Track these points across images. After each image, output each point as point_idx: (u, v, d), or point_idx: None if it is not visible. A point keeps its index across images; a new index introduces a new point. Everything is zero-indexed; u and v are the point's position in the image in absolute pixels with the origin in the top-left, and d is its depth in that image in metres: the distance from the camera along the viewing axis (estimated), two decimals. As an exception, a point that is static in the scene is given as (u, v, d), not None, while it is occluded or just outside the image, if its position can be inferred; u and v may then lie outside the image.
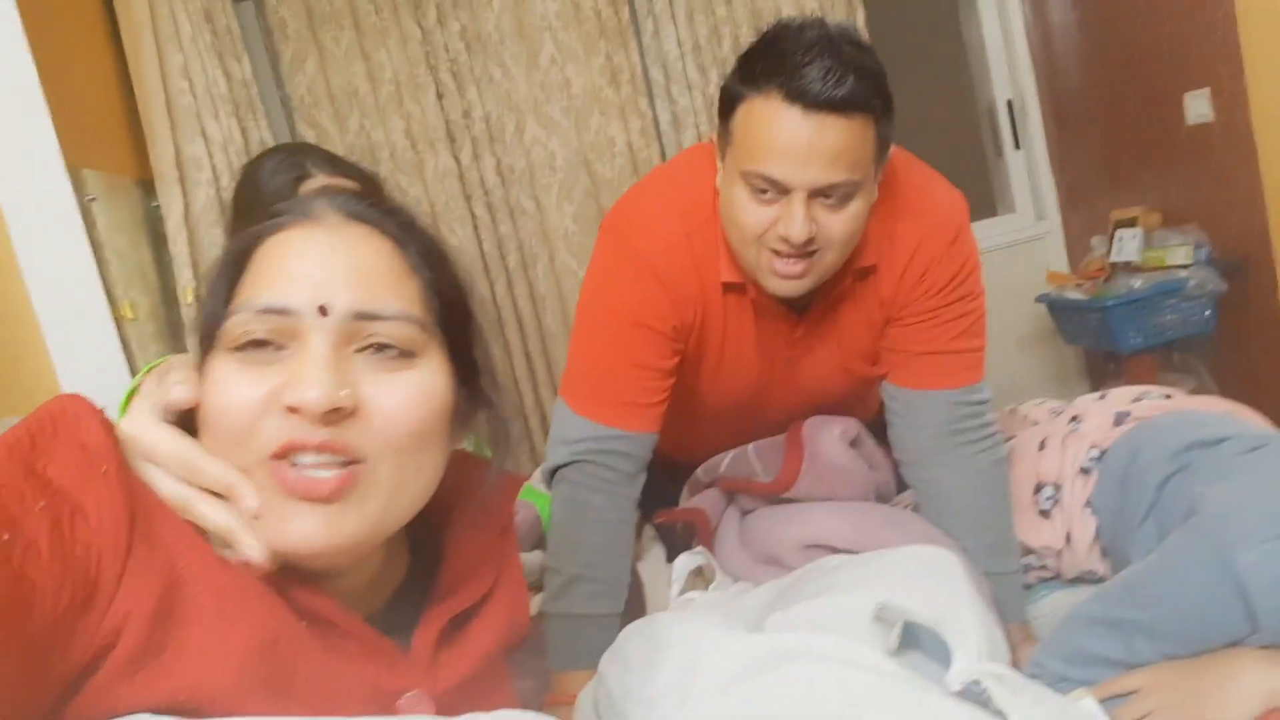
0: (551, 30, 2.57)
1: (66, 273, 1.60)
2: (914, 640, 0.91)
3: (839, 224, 1.08)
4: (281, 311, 0.57)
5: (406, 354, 0.60)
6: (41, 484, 0.50)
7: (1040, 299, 2.68)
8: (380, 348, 0.59)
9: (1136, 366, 2.48)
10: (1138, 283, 2.38)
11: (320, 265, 0.58)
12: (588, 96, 2.62)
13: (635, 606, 1.13)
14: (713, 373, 1.27)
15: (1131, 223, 2.53)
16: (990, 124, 3.03)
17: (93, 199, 1.74)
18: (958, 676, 0.79)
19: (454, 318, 0.64)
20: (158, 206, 2.07)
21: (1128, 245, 2.50)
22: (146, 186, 2.09)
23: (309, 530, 0.56)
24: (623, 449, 1.18)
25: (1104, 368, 2.79)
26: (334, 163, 1.37)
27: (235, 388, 0.57)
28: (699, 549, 1.19)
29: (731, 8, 2.62)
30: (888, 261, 1.21)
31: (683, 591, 1.15)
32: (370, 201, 0.63)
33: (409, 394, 0.59)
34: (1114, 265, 2.55)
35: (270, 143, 2.30)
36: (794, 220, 1.05)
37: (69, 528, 0.50)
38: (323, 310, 0.57)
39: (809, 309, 1.24)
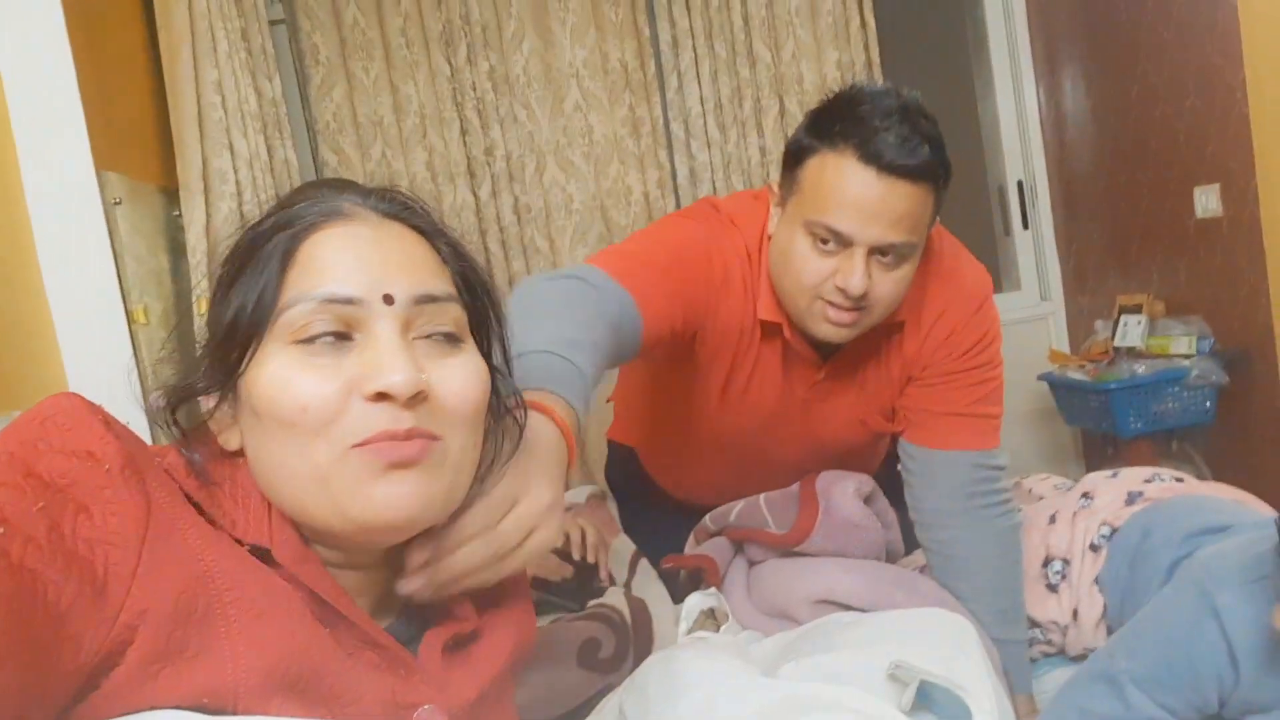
0: (578, 77, 2.62)
1: (85, 271, 1.60)
2: (926, 702, 0.90)
3: (890, 284, 1.14)
4: (347, 301, 0.58)
5: (456, 338, 0.62)
6: (41, 485, 0.50)
7: (1042, 377, 2.70)
8: (440, 335, 0.61)
9: (1134, 451, 2.49)
10: (1140, 368, 2.40)
11: (373, 257, 0.60)
12: (608, 144, 2.66)
13: (643, 638, 1.11)
14: (729, 397, 1.30)
15: (1137, 309, 2.56)
16: (1000, 203, 3.09)
17: (118, 202, 1.75)
18: (978, 740, 0.78)
19: (480, 308, 0.67)
20: (179, 215, 2.08)
21: (1132, 331, 2.53)
22: (169, 195, 2.09)
23: (401, 494, 0.57)
24: (616, 302, 1.02)
25: (1101, 450, 2.80)
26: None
27: (308, 381, 0.56)
28: (711, 590, 1.18)
29: (755, 71, 2.68)
30: (915, 320, 1.25)
31: (691, 630, 1.13)
32: (392, 198, 0.65)
33: (467, 373, 0.61)
34: (1117, 349, 2.57)
35: (294, 162, 2.33)
36: (854, 273, 1.10)
37: (71, 525, 0.49)
38: (388, 299, 0.59)
39: (834, 356, 1.27)
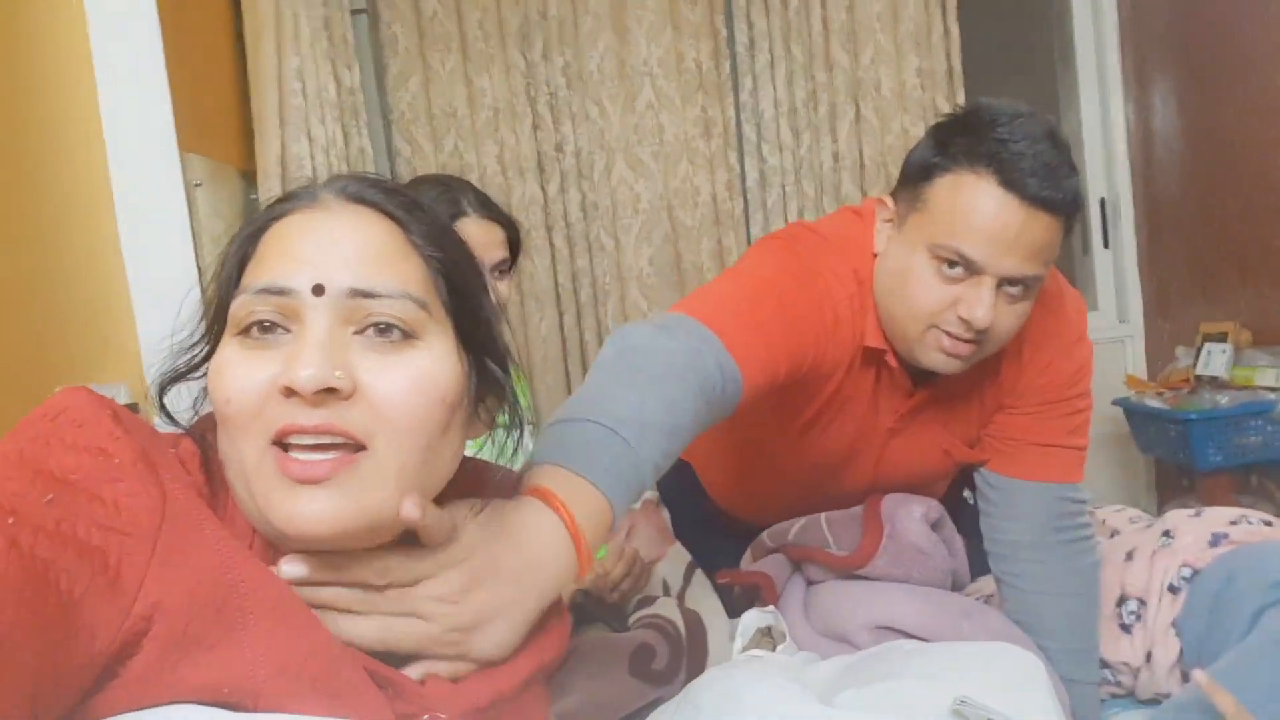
0: (652, 76, 2.61)
1: (164, 251, 1.63)
2: (989, 742, 0.86)
3: (1012, 317, 1.07)
4: (280, 292, 0.56)
5: (408, 335, 0.58)
6: (51, 480, 0.50)
7: (1117, 402, 2.60)
8: (381, 329, 0.57)
9: (1211, 485, 2.39)
10: (1224, 399, 2.30)
11: (319, 246, 0.57)
12: (679, 144, 2.64)
13: (698, 652, 1.09)
14: (810, 432, 1.23)
15: (1221, 337, 2.45)
16: (1081, 220, 2.98)
17: (198, 184, 1.78)
18: (1048, 790, 0.74)
19: (463, 301, 0.63)
20: (256, 199, 2.12)
21: (1215, 359, 2.43)
22: (248, 178, 2.13)
23: (315, 512, 0.54)
24: (718, 370, 0.92)
25: (1176, 482, 2.70)
26: (487, 206, 1.44)
27: (239, 373, 0.55)
28: (769, 608, 1.15)
29: (831, 75, 2.63)
30: (1014, 349, 1.18)
31: (746, 648, 1.10)
32: (373, 183, 0.62)
33: (409, 376, 0.57)
34: (1199, 378, 2.47)
35: (369, 151, 2.35)
36: (981, 304, 1.03)
37: (83, 516, 0.49)
38: (318, 290, 0.56)
39: (926, 383, 1.21)
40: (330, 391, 0.54)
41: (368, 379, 0.56)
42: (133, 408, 1.37)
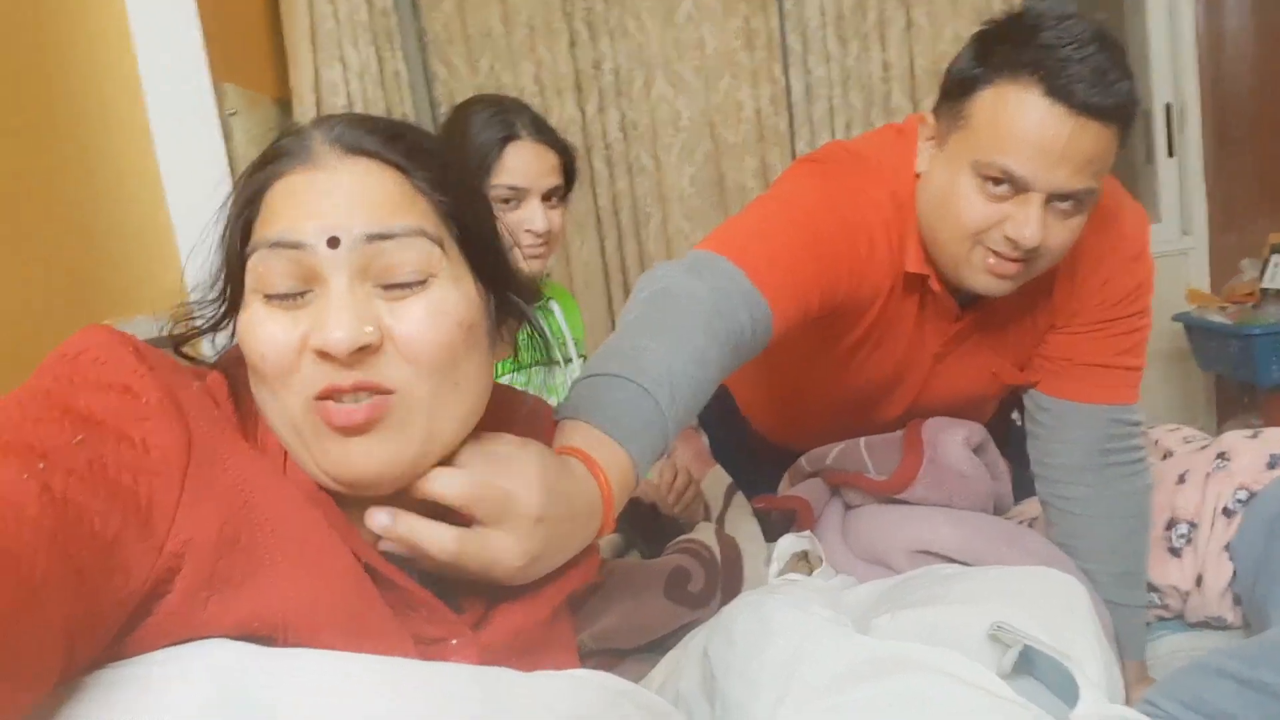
0: (692, -14, 2.51)
1: (203, 181, 1.63)
2: (1028, 666, 0.85)
3: (1064, 233, 1.02)
4: (293, 245, 0.56)
5: (422, 281, 0.59)
6: (79, 419, 0.50)
7: (1177, 318, 2.52)
8: (399, 284, 0.58)
9: (1274, 402, 2.32)
10: (1290, 313, 2.21)
11: (325, 203, 0.58)
12: (720, 58, 2.56)
13: (733, 577, 1.09)
14: (853, 358, 1.21)
15: (1291, 249, 2.34)
16: (1144, 127, 2.84)
17: (233, 113, 1.77)
18: (1085, 715, 0.73)
19: (475, 239, 0.63)
20: (291, 127, 2.10)
21: (1283, 272, 2.33)
22: (283, 106, 2.12)
23: (359, 456, 0.57)
24: (747, 313, 0.92)
25: (1237, 399, 2.62)
26: (541, 129, 1.38)
27: (271, 332, 0.57)
28: (806, 533, 1.14)
29: (882, -21, 2.50)
30: (1069, 267, 1.13)
31: (782, 572, 1.10)
32: (369, 128, 0.61)
33: (428, 312, 0.58)
34: (1264, 291, 2.37)
35: (404, 74, 2.31)
36: (1029, 222, 0.98)
37: (112, 456, 0.49)
38: (333, 242, 0.56)
39: (974, 305, 1.17)
40: (362, 349, 0.56)
41: (390, 323, 0.57)
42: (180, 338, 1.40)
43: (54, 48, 1.37)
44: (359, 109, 2.14)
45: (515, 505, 0.61)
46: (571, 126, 2.52)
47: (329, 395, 0.56)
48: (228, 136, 1.75)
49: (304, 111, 2.09)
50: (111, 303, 1.40)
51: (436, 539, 0.60)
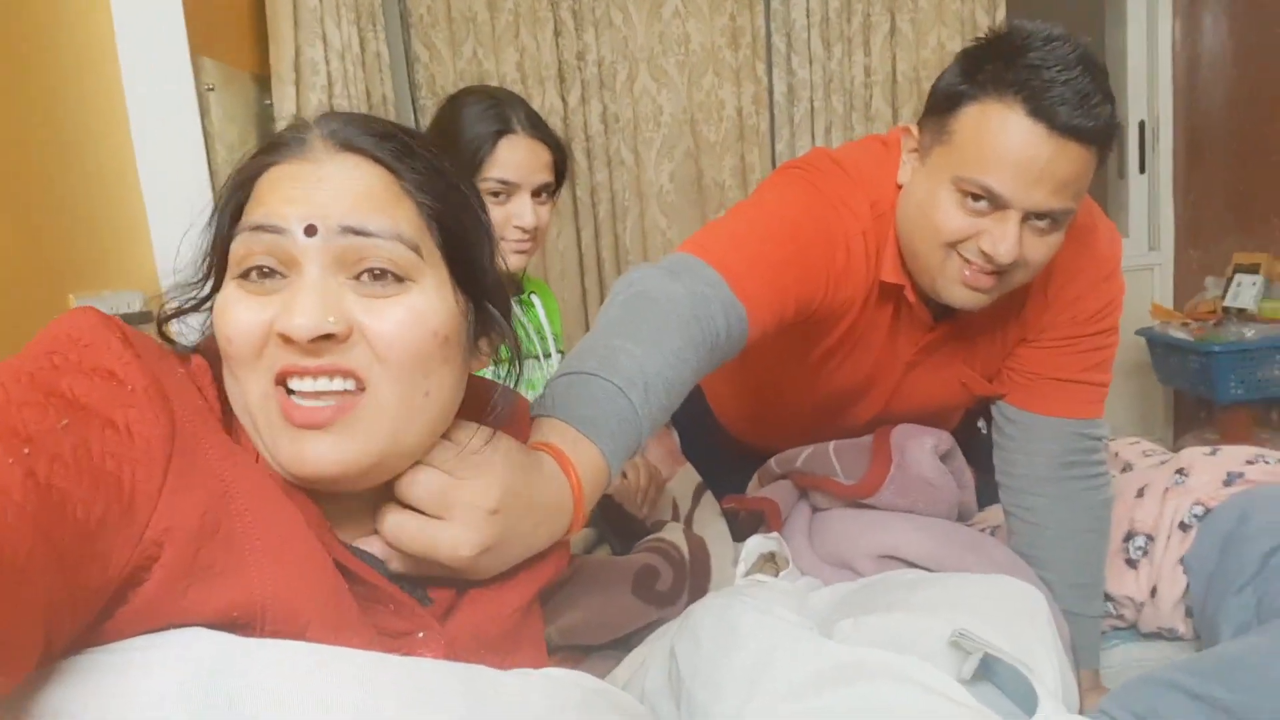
0: (679, -18, 2.51)
1: (176, 157, 1.61)
2: (987, 673, 0.87)
3: (1041, 250, 1.03)
4: (273, 229, 0.57)
5: (400, 279, 0.59)
6: (64, 403, 0.50)
7: (1140, 332, 2.57)
8: (375, 276, 0.58)
9: (1230, 419, 2.37)
10: (1250, 332, 2.26)
11: (311, 189, 0.58)
12: (704, 55, 2.56)
13: (700, 576, 1.10)
14: (825, 364, 1.22)
15: (1254, 268, 2.40)
16: (1118, 143, 2.89)
17: (210, 88, 1.74)
18: (1042, 725, 0.75)
19: (458, 246, 0.63)
20: (270, 104, 2.07)
21: (1245, 291, 2.38)
22: (262, 83, 2.09)
23: (321, 454, 0.57)
24: (724, 316, 0.93)
25: (1194, 414, 2.68)
26: (536, 124, 1.37)
27: (240, 314, 0.57)
28: (773, 534, 1.15)
29: (868, -16, 2.52)
30: (1041, 281, 1.15)
31: (749, 572, 1.11)
32: (365, 126, 0.62)
33: (403, 316, 0.58)
34: (1226, 310, 2.42)
35: (385, 56, 2.29)
36: (1005, 240, 0.99)
37: (97, 442, 0.49)
38: (310, 230, 0.57)
39: (946, 317, 1.18)
40: (326, 338, 0.56)
41: (364, 319, 0.58)
42: (146, 315, 1.38)
43: (30, 17, 1.34)
44: (339, 89, 2.11)
45: (467, 496, 0.62)
46: (553, 116, 2.51)
47: (287, 375, 0.56)
48: (204, 112, 1.72)
49: (282, 89, 2.06)
50: (83, 277, 1.38)
51: (390, 523, 0.63)
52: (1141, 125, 2.82)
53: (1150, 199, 2.85)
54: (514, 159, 1.32)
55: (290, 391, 0.57)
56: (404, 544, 0.63)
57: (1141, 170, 2.85)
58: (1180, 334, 2.43)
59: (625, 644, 1.03)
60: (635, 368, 0.79)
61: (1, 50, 1.26)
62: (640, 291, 0.90)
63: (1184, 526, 1.20)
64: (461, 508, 0.62)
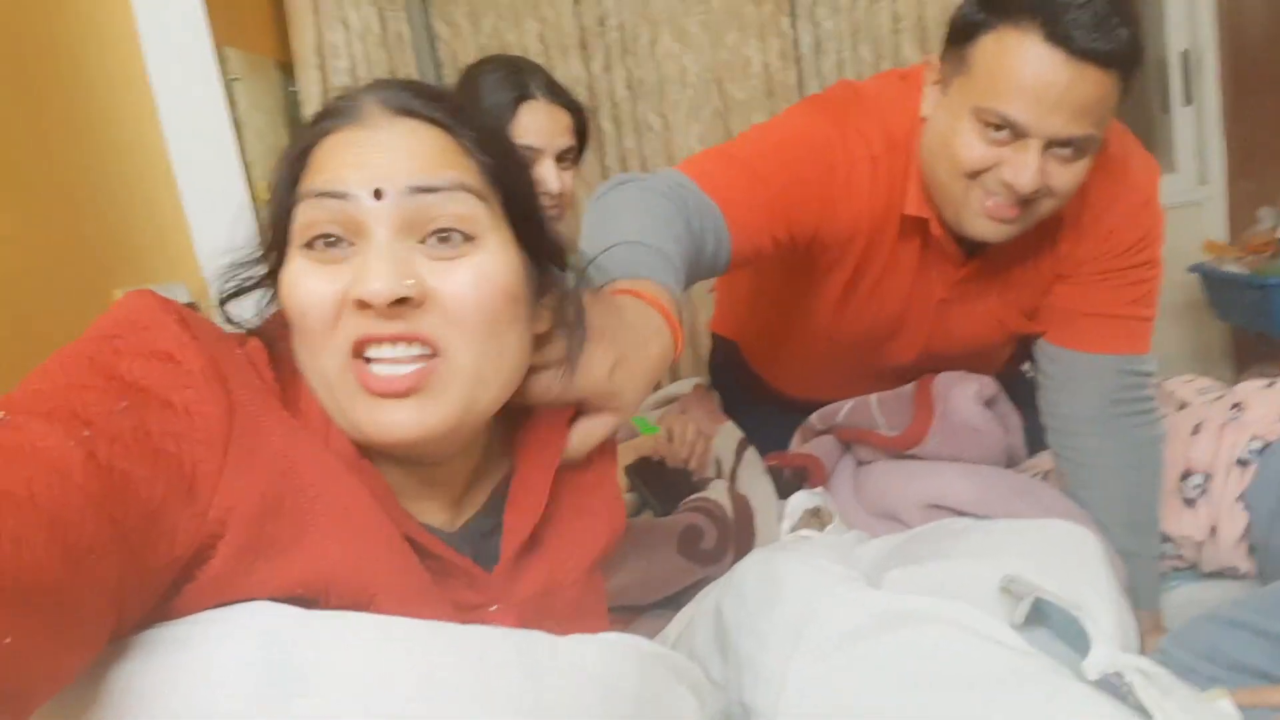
0: (698, -63, 2.46)
1: (208, 148, 1.63)
2: (1039, 618, 0.86)
3: (1066, 177, 1.01)
4: (338, 195, 0.57)
5: (468, 238, 0.59)
6: (124, 386, 0.50)
7: (1194, 269, 2.49)
8: (441, 239, 0.58)
9: (1291, 353, 2.29)
10: (1308, 262, 2.18)
11: (371, 156, 0.58)
12: (727, 11, 2.51)
13: (745, 534, 1.10)
14: (851, 300, 1.21)
15: (1310, 196, 2.30)
16: (1159, 75, 2.79)
17: (235, 79, 1.76)
18: (1096, 665, 0.73)
19: (517, 203, 0.63)
20: (295, 90, 2.09)
21: (1302, 220, 2.29)
22: (285, 69, 2.10)
23: (400, 420, 0.57)
24: (701, 216, 0.95)
25: (1254, 349, 2.60)
26: (554, 90, 1.37)
27: (311, 286, 0.57)
28: (818, 489, 1.15)
29: (893, -73, 2.45)
30: (1074, 215, 1.13)
31: (795, 528, 1.11)
32: (416, 91, 0.61)
33: (474, 276, 0.58)
34: (1283, 241, 2.34)
35: (406, 36, 2.29)
36: (1026, 168, 0.98)
37: (156, 424, 0.50)
38: (378, 194, 0.56)
39: (979, 253, 1.16)
40: (402, 302, 0.56)
41: (435, 283, 0.57)
42: (192, 307, 1.40)
43: (55, 15, 1.36)
44: (361, 71, 2.11)
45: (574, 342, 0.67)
46: (577, 85, 2.49)
47: (362, 347, 0.56)
48: (232, 102, 1.73)
49: (306, 74, 2.07)
50: (126, 271, 1.41)
51: (536, 388, 0.66)
52: (1185, 55, 2.72)
53: (1198, 132, 2.75)
54: (535, 124, 1.32)
55: (368, 360, 0.57)
56: (554, 394, 0.66)
57: (1188, 102, 2.75)
58: (1235, 268, 2.35)
59: (674, 602, 1.04)
60: (638, 227, 0.82)
61: (29, 52, 1.28)
62: (606, 193, 0.93)
63: (1242, 462, 1.16)
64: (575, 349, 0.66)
